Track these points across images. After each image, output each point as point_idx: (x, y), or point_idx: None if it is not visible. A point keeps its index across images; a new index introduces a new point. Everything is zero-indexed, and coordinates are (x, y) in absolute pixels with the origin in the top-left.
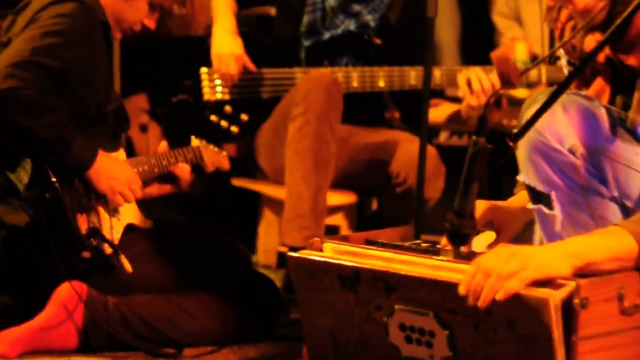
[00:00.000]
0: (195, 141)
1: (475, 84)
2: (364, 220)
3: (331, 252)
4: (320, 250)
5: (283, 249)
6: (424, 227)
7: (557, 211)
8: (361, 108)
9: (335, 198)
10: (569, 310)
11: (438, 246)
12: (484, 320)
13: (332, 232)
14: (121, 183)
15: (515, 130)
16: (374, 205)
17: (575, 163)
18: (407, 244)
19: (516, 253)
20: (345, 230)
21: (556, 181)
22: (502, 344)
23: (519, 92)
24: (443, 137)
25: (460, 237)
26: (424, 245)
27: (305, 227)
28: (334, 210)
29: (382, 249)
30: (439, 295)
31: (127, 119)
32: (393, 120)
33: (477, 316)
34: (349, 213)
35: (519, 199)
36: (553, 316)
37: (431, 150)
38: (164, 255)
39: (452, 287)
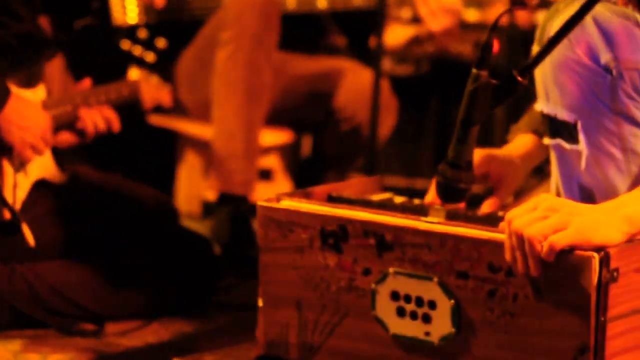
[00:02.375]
0: (134, 73)
1: (433, 1)
2: (299, 162)
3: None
4: None
5: (210, 197)
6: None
7: (582, 144)
8: (296, 32)
9: (268, 137)
10: (597, 283)
11: (416, 200)
12: (503, 286)
13: (264, 175)
14: (34, 134)
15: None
16: (306, 144)
17: (610, 82)
18: (377, 198)
19: (557, 208)
20: (279, 174)
21: (584, 105)
22: (523, 316)
23: (470, 15)
24: (387, 65)
25: (455, 192)
26: (397, 200)
27: (236, 171)
28: (266, 150)
29: (353, 207)
30: (448, 254)
31: (50, 46)
32: (337, 46)
33: (494, 281)
34: (285, 154)
35: (517, 145)
36: (594, 280)
37: (383, 82)
38: (80, 213)
39: (468, 241)
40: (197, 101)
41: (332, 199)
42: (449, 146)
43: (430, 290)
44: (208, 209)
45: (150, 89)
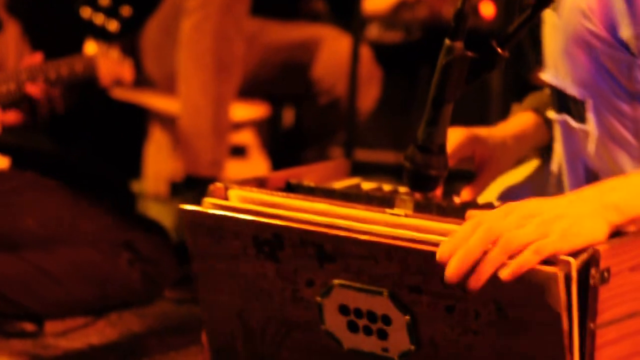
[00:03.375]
0: (90, 47)
1: None
2: (278, 137)
3: (239, 204)
4: (225, 199)
5: (178, 177)
6: (357, 142)
7: (590, 124)
8: None
9: (242, 111)
10: (584, 286)
11: (386, 187)
12: (461, 302)
13: (238, 153)
14: None
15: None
16: (287, 117)
17: (628, 60)
18: (342, 185)
19: (534, 214)
20: (254, 151)
21: (597, 83)
22: (487, 334)
23: None
24: (374, 31)
25: (425, 180)
26: (365, 187)
27: (204, 150)
28: (240, 125)
29: (311, 197)
30: (396, 267)
31: None
32: (317, 12)
33: (451, 296)
34: (260, 129)
35: (513, 124)
36: (563, 299)
37: (364, 50)
38: (16, 198)
39: (416, 254)
40: (164, 73)
41: (290, 187)
42: (419, 128)
43: (382, 304)
44: (176, 190)
45: (109, 64)
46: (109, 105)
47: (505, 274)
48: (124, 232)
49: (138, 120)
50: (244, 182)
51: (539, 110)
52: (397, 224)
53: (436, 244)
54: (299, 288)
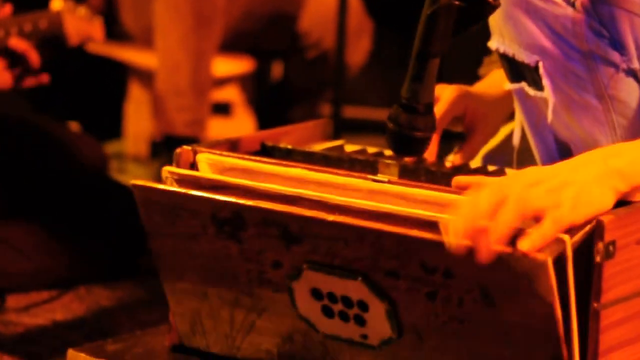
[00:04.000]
0: (57, 2)
1: None
2: (265, 94)
3: (208, 169)
4: (192, 165)
5: (158, 137)
6: (346, 98)
7: (547, 91)
8: None
9: (225, 65)
10: (587, 262)
11: (370, 149)
12: (443, 288)
13: (221, 110)
14: None
15: None
16: (275, 72)
17: (574, 17)
18: (322, 148)
19: (538, 181)
20: (239, 108)
21: (546, 45)
22: (474, 323)
23: None
24: None
25: (410, 142)
26: (349, 149)
27: (184, 108)
28: (223, 81)
29: (286, 161)
30: (369, 250)
31: None
32: None
33: (432, 282)
34: (245, 85)
35: (495, 80)
36: (554, 287)
37: (354, 0)
38: None
39: (391, 237)
40: (142, 27)
41: (265, 150)
42: (403, 85)
43: (357, 289)
44: (157, 150)
45: (77, 21)
46: (86, 62)
47: (525, 245)
48: (93, 199)
49: (117, 77)
50: (214, 145)
51: None
52: (378, 191)
53: (414, 223)
54: (265, 269)
